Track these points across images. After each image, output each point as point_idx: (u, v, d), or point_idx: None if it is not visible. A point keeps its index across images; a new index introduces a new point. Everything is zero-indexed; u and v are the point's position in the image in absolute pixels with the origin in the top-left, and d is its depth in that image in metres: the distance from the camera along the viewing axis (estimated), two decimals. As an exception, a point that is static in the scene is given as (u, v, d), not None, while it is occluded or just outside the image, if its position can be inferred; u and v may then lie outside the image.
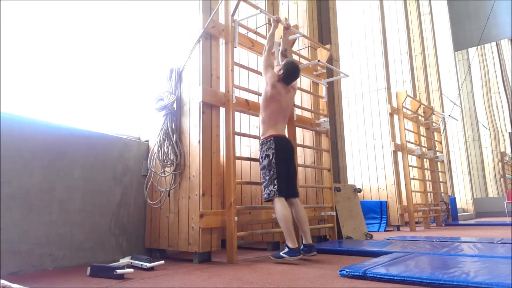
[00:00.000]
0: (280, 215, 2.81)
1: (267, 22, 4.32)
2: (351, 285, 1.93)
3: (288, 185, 2.97)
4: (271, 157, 2.90)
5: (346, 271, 2.14)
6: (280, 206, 2.82)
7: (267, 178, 2.91)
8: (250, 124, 4.16)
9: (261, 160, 2.99)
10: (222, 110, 3.18)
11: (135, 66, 3.66)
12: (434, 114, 7.74)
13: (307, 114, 4.18)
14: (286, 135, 3.24)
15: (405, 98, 6.47)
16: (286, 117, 3.17)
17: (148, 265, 2.48)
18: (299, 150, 4.11)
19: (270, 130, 2.99)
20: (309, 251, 2.91)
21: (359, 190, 4.73)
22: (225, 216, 2.94)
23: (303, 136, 4.23)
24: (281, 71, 3.04)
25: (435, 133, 7.93)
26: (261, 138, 3.03)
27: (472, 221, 7.79)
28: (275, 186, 2.85)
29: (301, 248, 2.94)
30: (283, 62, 3.12)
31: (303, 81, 4.30)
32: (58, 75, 3.15)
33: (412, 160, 6.89)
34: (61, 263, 2.59)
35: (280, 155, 2.92)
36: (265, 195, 2.91)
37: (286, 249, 2.75)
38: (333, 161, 4.50)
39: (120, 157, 3.11)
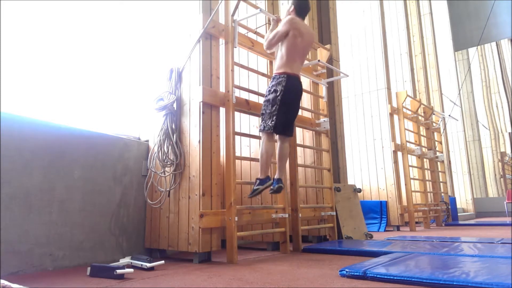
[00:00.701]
0: (264, 150, 2.98)
1: (267, 22, 4.32)
2: (351, 285, 1.93)
3: (285, 124, 3.06)
4: (278, 93, 2.97)
5: (346, 271, 2.14)
6: (266, 141, 2.99)
7: (267, 111, 3.00)
8: (250, 124, 4.16)
9: (267, 93, 3.05)
10: (222, 110, 3.18)
11: (135, 66, 3.66)
12: (434, 114, 7.74)
13: (307, 114, 4.18)
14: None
15: (405, 98, 6.47)
16: (304, 58, 3.21)
17: (148, 265, 2.48)
18: (299, 150, 4.11)
19: (285, 67, 3.02)
20: (276, 183, 3.03)
21: (359, 190, 4.73)
22: (225, 216, 2.94)
23: (303, 136, 4.23)
24: (292, 7, 3.06)
25: (435, 133, 7.93)
26: (275, 72, 3.08)
27: (472, 221, 7.79)
28: (272, 122, 2.95)
29: (272, 183, 3.06)
30: (290, 1, 3.16)
31: (303, 81, 4.29)
32: (58, 75, 3.15)
33: (412, 160, 6.89)
34: (61, 263, 2.59)
35: (288, 95, 2.98)
36: (261, 126, 3.03)
37: (258, 182, 2.94)
38: (333, 161, 4.50)
39: (120, 157, 3.11)
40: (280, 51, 3.08)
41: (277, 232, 3.37)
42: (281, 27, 3.07)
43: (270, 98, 2.99)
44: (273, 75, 3.09)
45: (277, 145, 3.17)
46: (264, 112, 3.03)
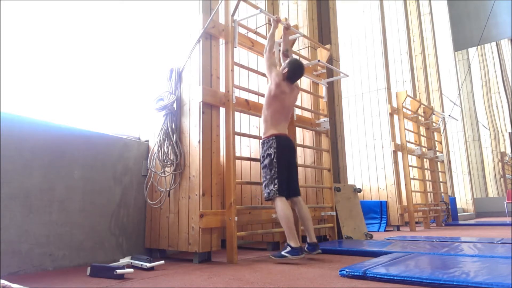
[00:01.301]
0: (281, 214, 2.81)
1: (267, 22, 4.32)
2: (351, 285, 1.93)
3: (290, 184, 2.98)
4: (272, 156, 2.91)
5: (346, 271, 2.14)
6: (281, 205, 2.83)
7: (267, 177, 2.91)
8: (250, 124, 4.16)
9: (262, 160, 2.99)
10: (222, 110, 3.18)
11: (135, 66, 3.66)
12: (434, 114, 7.74)
13: (307, 114, 4.18)
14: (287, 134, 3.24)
15: (405, 98, 6.47)
16: (289, 117, 3.17)
17: (148, 265, 2.48)
18: (299, 150, 4.11)
19: (272, 129, 2.99)
20: (313, 249, 2.92)
21: (359, 190, 4.73)
22: (225, 216, 2.94)
23: (303, 136, 4.23)
24: (286, 70, 3.04)
25: (435, 133, 7.93)
26: (263, 137, 3.03)
27: (472, 221, 7.79)
28: (275, 186, 2.85)
29: (305, 247, 2.95)
30: (287, 61, 3.12)
31: (303, 81, 4.30)
32: (58, 75, 3.15)
33: (412, 160, 6.89)
34: (61, 263, 2.59)
35: (282, 154, 2.92)
36: (265, 194, 2.92)
37: (289, 248, 2.74)
38: (333, 161, 4.50)
39: (120, 157, 3.11)
40: (263, 114, 3.05)
41: (277, 232, 3.37)
42: (273, 81, 3.03)
43: (267, 163, 2.92)
44: (262, 140, 3.03)
45: (295, 209, 3.05)
46: (264, 179, 2.94)
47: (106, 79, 3.51)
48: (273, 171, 2.89)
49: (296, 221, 3.19)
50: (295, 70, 3.05)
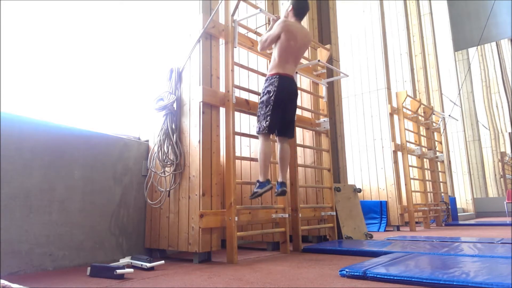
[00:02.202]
0: (261, 150, 2.97)
1: (267, 22, 4.32)
2: (351, 285, 1.93)
3: (284, 125, 3.07)
4: (271, 94, 2.96)
5: (346, 271, 2.14)
6: (263, 142, 2.98)
7: (261, 112, 3.01)
8: (250, 124, 4.16)
9: (261, 95, 3.06)
10: (222, 110, 3.18)
11: (135, 66, 3.66)
12: (434, 114, 7.74)
13: (307, 114, 4.18)
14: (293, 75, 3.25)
15: (405, 98, 6.47)
16: (298, 60, 3.19)
17: (148, 265, 2.48)
18: (299, 150, 4.11)
19: (277, 68, 3.02)
20: (280, 186, 3.05)
21: (359, 190, 4.73)
22: (225, 216, 2.94)
23: (303, 136, 4.23)
24: (290, 7, 3.05)
25: (435, 133, 7.93)
26: (268, 74, 3.08)
27: (472, 221, 7.79)
28: (267, 122, 2.95)
29: (277, 186, 3.09)
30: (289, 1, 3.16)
31: (303, 81, 4.30)
32: (58, 75, 3.15)
33: (412, 160, 6.89)
34: (61, 263, 2.59)
35: (281, 95, 2.97)
36: (257, 128, 3.04)
37: (257, 184, 2.93)
38: (333, 161, 4.50)
39: (120, 157, 3.11)
40: (273, 53, 3.08)
41: (277, 232, 3.37)
42: (272, 30, 3.08)
43: (264, 100, 3.00)
44: (266, 77, 3.09)
45: (277, 147, 3.18)
46: (259, 114, 3.05)
47: (106, 79, 3.51)
48: (267, 108, 2.96)
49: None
50: (299, 4, 3.07)
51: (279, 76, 2.98)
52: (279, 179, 3.11)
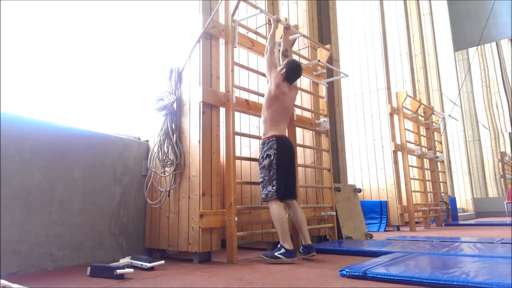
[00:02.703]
0: (276, 216, 2.81)
1: (267, 22, 4.32)
2: (351, 285, 1.93)
3: (287, 187, 2.98)
4: (272, 158, 2.90)
5: (346, 271, 2.14)
6: (276, 207, 2.83)
7: (266, 178, 2.90)
8: (250, 124, 4.16)
9: (261, 160, 2.98)
10: (222, 110, 3.18)
11: (135, 66, 3.66)
12: (434, 114, 7.74)
13: (307, 114, 4.18)
14: (287, 135, 3.24)
15: (405, 98, 6.47)
16: (288, 117, 3.17)
17: (148, 265, 2.48)
18: (299, 150, 4.11)
19: (272, 130, 2.99)
20: (308, 251, 2.92)
21: (359, 190, 4.73)
22: (225, 216, 2.94)
23: (303, 136, 4.23)
24: (284, 70, 3.04)
25: (435, 133, 7.93)
26: (263, 137, 3.03)
27: (472, 221, 7.79)
28: (274, 187, 2.85)
29: (300, 249, 2.96)
30: (284, 62, 3.13)
31: (303, 81, 4.30)
32: (58, 75, 3.15)
33: (412, 160, 6.89)
34: (61, 263, 2.59)
35: (282, 156, 2.92)
36: (263, 195, 2.91)
37: (283, 250, 2.74)
38: (333, 161, 4.50)
39: (120, 157, 3.11)
40: (263, 115, 3.05)
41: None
42: (273, 82, 3.02)
43: (266, 164, 2.91)
44: (262, 141, 3.02)
45: (290, 212, 3.04)
46: (262, 179, 2.92)
47: (106, 79, 3.51)
48: (272, 172, 2.88)
49: (291, 225, 3.20)
50: (293, 71, 3.05)
51: (276, 138, 2.93)
52: (304, 243, 2.95)
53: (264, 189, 2.90)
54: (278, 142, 2.93)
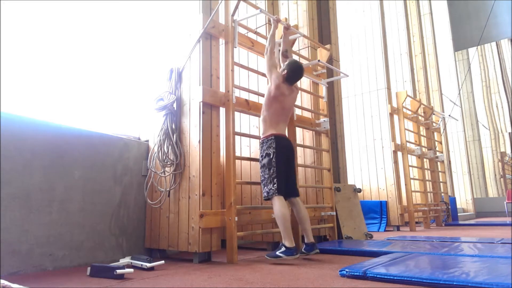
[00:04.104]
0: (278, 213, 2.81)
1: (267, 22, 4.32)
2: (351, 285, 1.93)
3: (288, 185, 2.98)
4: (271, 156, 2.90)
5: (346, 271, 2.14)
6: (278, 204, 2.83)
7: (266, 176, 2.91)
8: (250, 124, 4.16)
9: (261, 159, 2.99)
10: (222, 110, 3.18)
11: (135, 66, 3.66)
12: (434, 114, 7.74)
13: (307, 114, 4.18)
14: (286, 135, 3.24)
15: (405, 98, 6.47)
16: (288, 118, 3.18)
17: (148, 265, 2.48)
18: (299, 150, 4.11)
19: (271, 129, 2.99)
20: (311, 249, 2.92)
21: (359, 190, 4.73)
22: (225, 216, 2.94)
23: (303, 136, 4.23)
24: (285, 71, 3.04)
25: (435, 133, 7.93)
26: (262, 137, 3.04)
27: (472, 221, 7.79)
28: (275, 185, 2.85)
29: (303, 248, 2.96)
30: (286, 62, 3.12)
31: (303, 81, 4.30)
32: (58, 75, 3.15)
33: (412, 160, 6.89)
34: (61, 263, 2.59)
35: (281, 154, 2.92)
36: (265, 194, 2.91)
37: (283, 249, 2.74)
38: (333, 161, 4.50)
39: (120, 157, 3.11)
40: (263, 115, 3.05)
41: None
42: (273, 83, 3.02)
43: (265, 163, 2.92)
44: (261, 140, 3.03)
45: (293, 210, 3.05)
46: (263, 178, 2.93)
47: (106, 79, 3.51)
48: (271, 171, 2.89)
49: (294, 223, 3.20)
50: (294, 72, 3.05)
51: (275, 137, 2.94)
52: (307, 241, 2.95)
53: (265, 187, 2.90)
54: (277, 141, 2.93)
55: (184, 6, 3.35)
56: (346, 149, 5.20)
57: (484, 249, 2.95)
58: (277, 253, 2.74)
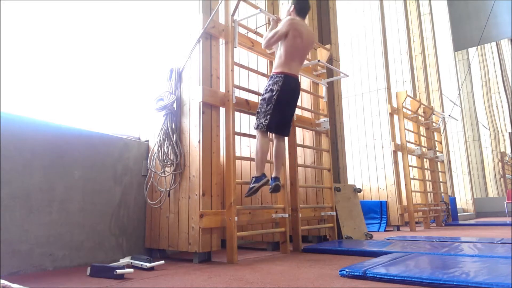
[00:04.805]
0: (259, 147, 2.99)
1: (267, 22, 4.32)
2: (351, 285, 1.93)
3: (279, 124, 3.08)
4: (274, 93, 2.99)
5: (346, 271, 2.14)
6: (261, 139, 3.00)
7: (262, 110, 3.03)
8: (250, 124, 4.16)
9: (264, 91, 3.07)
10: (222, 110, 3.18)
11: (135, 66, 3.66)
12: (434, 114, 7.74)
13: (307, 114, 4.18)
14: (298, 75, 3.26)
15: (405, 98, 6.47)
16: (303, 60, 3.21)
17: (148, 265, 2.48)
18: (299, 150, 4.11)
19: (283, 67, 3.03)
20: (274, 181, 3.06)
21: (359, 190, 4.73)
22: (225, 216, 2.94)
23: (303, 136, 4.23)
24: (292, 7, 3.07)
25: (435, 133, 7.93)
26: (273, 71, 3.09)
27: (472, 221, 7.79)
28: (266, 121, 2.98)
29: (270, 182, 3.09)
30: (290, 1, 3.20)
31: (303, 81, 4.30)
32: (58, 75, 3.15)
33: (412, 160, 6.89)
34: (61, 263, 2.59)
35: (284, 95, 3.00)
36: (255, 124, 3.06)
37: (253, 180, 2.94)
38: (333, 161, 4.50)
39: (120, 157, 3.11)
40: (279, 51, 3.09)
41: (277, 232, 3.37)
42: (280, 27, 3.08)
43: (266, 97, 3.02)
44: (271, 74, 3.11)
45: (273, 144, 3.21)
46: (259, 110, 3.07)
47: (106, 79, 3.51)
48: (269, 107, 2.99)
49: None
50: (301, 4, 3.12)
51: (284, 76, 2.99)
52: (274, 175, 3.11)
53: (257, 120, 3.05)
54: (285, 80, 2.99)
55: (184, 6, 3.35)
56: (346, 149, 5.20)
57: (484, 249, 2.95)
58: (250, 186, 2.93)
